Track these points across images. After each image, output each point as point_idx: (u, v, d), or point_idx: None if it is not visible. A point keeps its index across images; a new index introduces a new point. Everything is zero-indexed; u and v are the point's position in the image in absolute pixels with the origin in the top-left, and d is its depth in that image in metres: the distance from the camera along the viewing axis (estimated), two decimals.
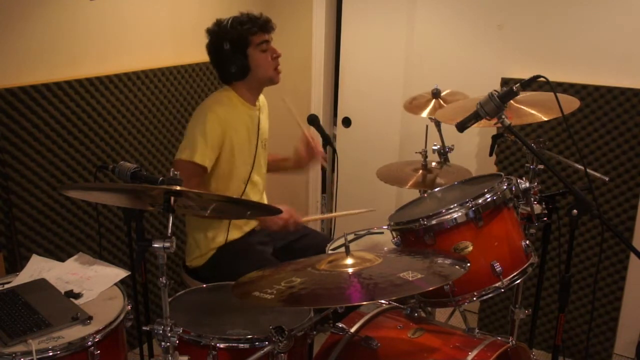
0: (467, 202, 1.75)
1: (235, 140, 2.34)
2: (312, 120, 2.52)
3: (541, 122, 2.15)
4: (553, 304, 3.02)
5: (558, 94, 1.81)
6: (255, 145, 2.42)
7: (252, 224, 2.50)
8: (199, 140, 2.23)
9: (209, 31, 2.36)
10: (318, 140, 2.52)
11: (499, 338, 1.76)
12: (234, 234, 2.43)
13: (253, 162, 2.41)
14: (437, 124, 2.65)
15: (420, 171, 2.65)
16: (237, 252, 2.38)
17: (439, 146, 2.65)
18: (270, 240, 2.52)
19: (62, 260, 2.13)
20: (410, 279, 1.45)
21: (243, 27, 2.29)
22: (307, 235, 2.59)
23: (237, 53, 2.30)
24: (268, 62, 2.35)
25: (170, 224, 1.56)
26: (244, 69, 2.32)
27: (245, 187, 2.40)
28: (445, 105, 2.62)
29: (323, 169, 2.54)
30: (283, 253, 2.50)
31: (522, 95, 1.99)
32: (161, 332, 1.55)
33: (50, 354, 1.61)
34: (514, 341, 1.74)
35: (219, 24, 2.34)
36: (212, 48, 2.36)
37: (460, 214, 1.74)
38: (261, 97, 2.52)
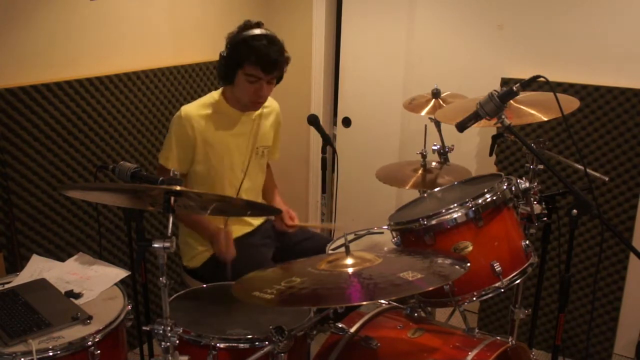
0: (467, 202, 1.75)
1: (217, 144, 2.32)
2: (312, 120, 2.52)
3: (541, 122, 2.14)
4: (553, 304, 3.02)
5: (558, 94, 1.81)
6: (249, 151, 2.40)
7: (252, 224, 2.50)
8: (166, 143, 2.31)
9: (237, 28, 2.28)
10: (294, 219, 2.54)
11: (499, 338, 1.76)
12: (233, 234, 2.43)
13: (247, 169, 2.40)
14: (437, 124, 2.65)
15: (420, 171, 2.65)
16: (238, 253, 2.38)
17: (438, 146, 2.65)
18: (270, 242, 2.52)
19: (62, 260, 2.14)
20: (410, 279, 1.45)
21: (248, 50, 2.19)
22: (307, 235, 2.59)
23: (228, 64, 2.25)
24: (249, 93, 2.27)
25: (170, 224, 1.56)
26: (227, 80, 2.29)
27: (237, 193, 2.38)
28: (445, 105, 2.62)
29: (323, 169, 2.52)
30: (283, 253, 2.50)
31: (522, 95, 1.99)
32: (161, 332, 1.55)
33: (51, 354, 1.61)
34: (513, 341, 1.74)
35: (240, 28, 2.26)
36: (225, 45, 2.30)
37: (460, 214, 1.75)
38: (274, 103, 2.51)
